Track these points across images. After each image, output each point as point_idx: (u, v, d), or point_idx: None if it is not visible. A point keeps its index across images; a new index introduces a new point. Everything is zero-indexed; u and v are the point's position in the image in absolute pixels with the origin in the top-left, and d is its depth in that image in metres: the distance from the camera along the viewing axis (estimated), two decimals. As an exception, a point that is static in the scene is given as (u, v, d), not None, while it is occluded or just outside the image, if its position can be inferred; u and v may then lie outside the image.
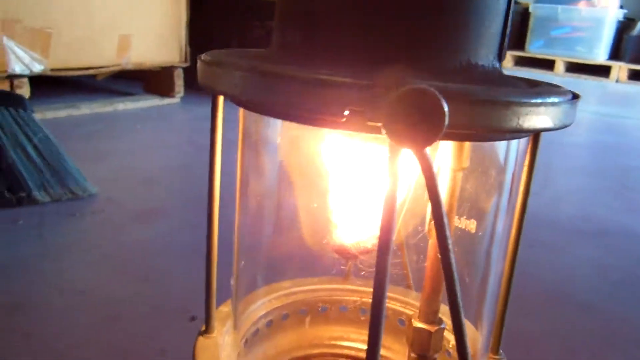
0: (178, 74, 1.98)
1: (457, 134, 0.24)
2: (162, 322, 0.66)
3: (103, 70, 1.79)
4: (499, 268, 0.37)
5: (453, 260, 0.23)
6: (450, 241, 0.23)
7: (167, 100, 1.98)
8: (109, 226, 0.95)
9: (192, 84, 1.99)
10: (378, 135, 0.23)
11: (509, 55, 4.17)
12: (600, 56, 3.87)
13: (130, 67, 1.84)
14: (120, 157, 1.36)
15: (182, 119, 1.87)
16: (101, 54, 1.75)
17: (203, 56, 0.30)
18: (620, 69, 3.80)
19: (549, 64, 4.00)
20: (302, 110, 0.24)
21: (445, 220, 0.23)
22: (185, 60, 1.97)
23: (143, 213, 1.01)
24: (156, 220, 0.98)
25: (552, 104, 0.24)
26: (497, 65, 0.28)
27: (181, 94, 2.01)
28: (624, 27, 3.93)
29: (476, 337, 0.39)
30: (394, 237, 0.25)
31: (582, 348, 0.68)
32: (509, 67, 4.16)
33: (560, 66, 3.97)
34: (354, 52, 0.26)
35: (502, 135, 0.26)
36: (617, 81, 3.78)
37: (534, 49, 4.08)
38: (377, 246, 0.25)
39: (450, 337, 0.40)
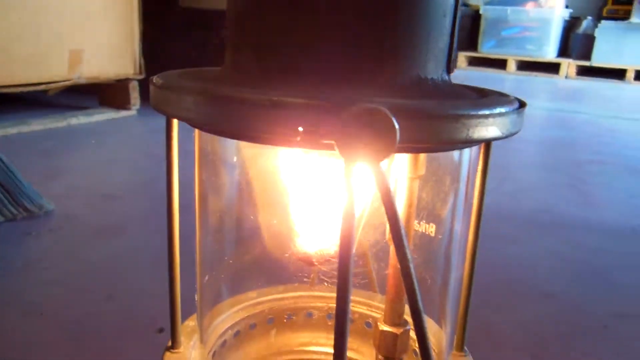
0: (133, 86, 1.95)
1: (410, 147, 0.25)
2: (128, 337, 0.66)
3: (53, 85, 1.74)
4: (460, 268, 0.38)
5: (412, 270, 0.24)
6: (408, 251, 0.24)
7: (123, 113, 1.95)
8: (68, 244, 0.93)
9: (148, 95, 1.96)
10: (333, 152, 0.23)
11: (463, 56, 4.28)
12: (550, 54, 4.02)
13: (82, 81, 1.80)
14: (77, 173, 1.32)
15: (139, 132, 1.84)
16: (51, 69, 1.71)
17: (155, 79, 0.30)
18: (569, 65, 3.96)
19: (501, 63, 4.13)
20: (257, 132, 0.24)
21: (403, 231, 0.24)
22: (140, 73, 1.94)
23: (103, 229, 0.99)
24: (117, 237, 0.96)
25: (500, 114, 0.26)
26: (446, 77, 0.29)
27: (137, 106, 1.97)
28: (570, 26, 4.10)
29: (441, 335, 0.40)
30: (354, 247, 0.26)
31: (547, 337, 0.71)
32: (463, 67, 4.27)
33: (512, 65, 4.10)
34: (306, 72, 0.26)
35: (453, 146, 0.27)
36: (566, 77, 3.94)
37: (486, 49, 4.21)
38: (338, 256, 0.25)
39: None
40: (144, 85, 1.98)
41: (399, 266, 0.24)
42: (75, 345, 0.63)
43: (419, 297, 0.25)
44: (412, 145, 0.25)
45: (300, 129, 0.24)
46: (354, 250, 0.26)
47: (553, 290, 0.84)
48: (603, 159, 1.72)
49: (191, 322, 0.42)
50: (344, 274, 0.26)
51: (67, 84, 1.77)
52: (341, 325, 0.27)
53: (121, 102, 1.95)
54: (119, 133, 1.80)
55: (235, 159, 0.36)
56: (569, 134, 2.14)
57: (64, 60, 1.73)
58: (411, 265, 0.24)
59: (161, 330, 0.67)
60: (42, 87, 1.71)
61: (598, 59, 3.82)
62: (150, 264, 0.85)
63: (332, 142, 0.23)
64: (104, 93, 1.98)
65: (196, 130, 0.34)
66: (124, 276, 0.82)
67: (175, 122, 0.32)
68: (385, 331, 0.37)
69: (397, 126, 0.21)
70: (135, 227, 1.01)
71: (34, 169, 1.33)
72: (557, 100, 3.15)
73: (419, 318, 0.25)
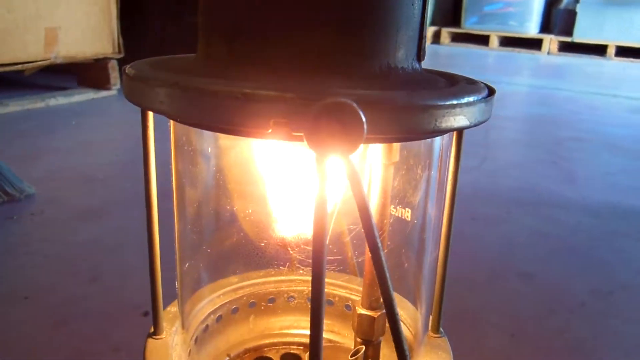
0: (112, 65, 1.92)
1: (379, 138, 0.26)
2: (114, 320, 0.66)
3: (30, 65, 1.71)
4: (435, 251, 0.39)
5: (383, 257, 0.25)
6: (378, 240, 0.24)
7: (102, 93, 1.92)
8: (50, 227, 0.93)
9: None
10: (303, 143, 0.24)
11: (446, 32, 4.27)
12: (532, 29, 4.03)
13: (60, 60, 1.77)
14: (57, 155, 1.31)
15: (119, 112, 1.82)
16: (26, 48, 1.67)
17: (127, 69, 0.30)
18: (551, 41, 3.97)
19: (484, 39, 4.12)
20: (229, 124, 0.24)
21: (373, 221, 0.24)
22: (119, 52, 1.91)
23: (86, 212, 0.98)
24: (100, 219, 0.96)
25: (468, 104, 0.26)
26: (417, 66, 0.30)
27: (117, 85, 1.94)
28: (552, 1, 4.09)
29: (417, 317, 0.41)
30: (328, 237, 0.26)
31: (525, 316, 0.73)
32: (446, 43, 4.26)
33: (494, 41, 4.10)
34: (276, 61, 0.27)
35: (422, 136, 0.28)
36: (548, 53, 3.95)
37: (469, 25, 4.20)
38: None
39: (392, 320, 0.42)
40: (124, 65, 1.94)
41: (369, 254, 0.25)
42: (60, 329, 0.64)
43: (389, 284, 0.25)
44: (381, 136, 0.25)
45: (272, 121, 0.24)
46: (327, 239, 0.26)
47: (531, 269, 0.86)
48: (583, 136, 1.74)
49: (173, 308, 0.43)
50: (318, 264, 0.26)
51: (44, 63, 1.73)
52: (317, 310, 0.28)
53: (101, 82, 1.92)
54: (99, 114, 1.78)
55: (210, 149, 0.36)
56: (550, 111, 2.16)
57: (40, 39, 1.69)
58: (381, 253, 0.24)
59: (146, 314, 0.68)
60: (19, 67, 1.67)
61: (579, 35, 3.84)
62: (134, 246, 0.85)
63: (301, 134, 0.23)
64: (83, 73, 1.95)
65: (171, 121, 0.34)
66: (108, 259, 0.82)
67: (150, 114, 0.32)
68: (363, 314, 0.38)
69: (364, 119, 0.22)
70: (118, 210, 1.01)
71: (12, 151, 1.31)
72: (539, 77, 3.17)
73: (390, 303, 0.25)
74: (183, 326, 0.41)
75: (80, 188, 1.12)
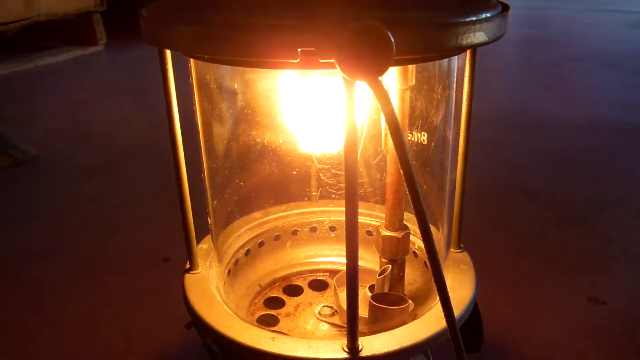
0: (97, 19, 1.87)
1: (405, 60, 0.26)
2: (137, 269, 0.68)
3: (12, 25, 1.66)
4: (453, 172, 0.40)
5: (415, 175, 0.26)
6: (410, 158, 0.26)
7: (90, 50, 1.88)
8: (59, 187, 0.94)
9: (114, 29, 1.89)
10: (331, 70, 0.25)
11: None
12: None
13: (42, 18, 1.72)
14: (53, 116, 1.30)
15: (109, 67, 1.79)
16: (6, 8, 1.62)
17: (144, 12, 0.30)
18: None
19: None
20: (256, 57, 0.25)
21: (405, 141, 0.25)
22: (102, 4, 1.85)
23: (92, 169, 0.99)
24: (106, 174, 0.97)
25: (486, 19, 0.27)
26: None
27: (104, 40, 1.90)
28: None
29: (438, 237, 0.43)
30: (357, 159, 0.28)
31: (529, 231, 0.75)
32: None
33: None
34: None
35: (444, 54, 0.28)
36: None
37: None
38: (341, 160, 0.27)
39: (415, 240, 0.45)
40: (108, 19, 1.89)
41: (401, 174, 0.26)
42: (86, 281, 0.66)
43: (422, 199, 0.27)
44: (407, 57, 0.26)
45: (299, 50, 0.25)
46: (357, 163, 0.28)
47: (534, 188, 0.88)
48: (579, 55, 1.73)
49: (203, 245, 0.44)
50: (351, 186, 0.28)
51: (26, 22, 1.69)
52: (352, 231, 0.29)
53: (87, 38, 1.88)
54: (89, 70, 1.75)
55: (235, 85, 0.37)
56: (544, 32, 2.13)
57: (19, -3, 1.64)
58: (414, 173, 0.26)
59: (166, 260, 0.70)
60: (1, 28, 1.63)
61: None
62: (143, 198, 0.87)
63: (332, 60, 0.24)
64: (68, 30, 1.90)
65: (191, 60, 0.34)
66: (121, 211, 0.83)
67: (168, 54, 0.33)
68: (388, 236, 0.40)
69: (393, 40, 0.22)
70: (122, 164, 1.01)
71: (8, 115, 1.30)
72: (531, -3, 3.10)
73: (423, 217, 0.27)
74: (219, 260, 0.43)
75: (81, 146, 1.12)
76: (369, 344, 0.33)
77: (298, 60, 0.25)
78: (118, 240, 0.75)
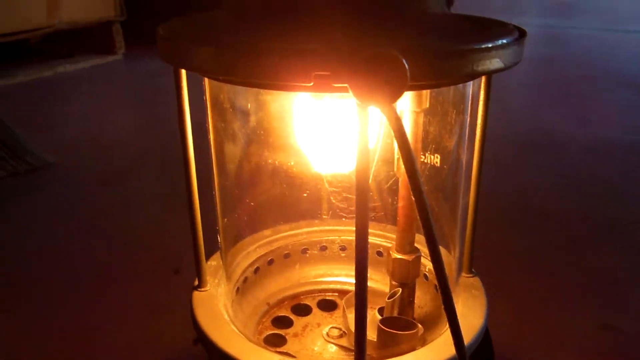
0: (116, 29, 1.90)
1: (419, 85, 0.26)
2: (146, 279, 0.68)
3: (34, 33, 1.69)
4: (466, 195, 0.40)
5: (426, 200, 0.26)
6: (421, 183, 0.25)
7: (109, 58, 1.91)
8: (73, 194, 0.95)
9: (133, 38, 1.91)
10: (345, 94, 0.24)
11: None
12: (540, -34, 3.88)
13: (63, 26, 1.75)
14: (72, 124, 1.32)
15: (128, 77, 1.81)
16: (30, 16, 1.66)
17: (161, 30, 0.30)
18: (559, -23, 3.83)
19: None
20: (271, 80, 0.25)
21: (417, 167, 0.25)
22: (122, 14, 1.88)
23: (106, 178, 1.00)
24: (120, 183, 0.98)
25: (502, 46, 0.27)
26: (447, 10, 0.30)
27: (122, 50, 1.93)
28: None
29: (450, 260, 0.43)
30: (369, 183, 0.28)
31: (542, 254, 0.74)
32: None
33: (501, -20, 3.96)
34: (312, 12, 0.27)
35: (458, 80, 0.28)
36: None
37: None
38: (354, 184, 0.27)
39: (426, 263, 0.44)
40: (127, 28, 1.92)
41: (412, 197, 0.26)
42: (99, 289, 0.66)
43: (432, 224, 0.27)
44: (421, 83, 0.26)
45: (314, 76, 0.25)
46: (369, 186, 0.27)
47: (548, 209, 0.87)
48: (595, 75, 1.72)
49: (212, 262, 0.44)
50: (362, 210, 0.27)
51: (48, 30, 1.72)
52: (362, 253, 0.29)
53: (106, 47, 1.91)
54: (108, 79, 1.77)
55: (249, 105, 0.37)
56: (561, 51, 2.12)
57: (42, 5, 1.67)
58: (425, 198, 0.26)
59: (176, 271, 0.70)
60: (24, 35, 1.66)
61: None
62: (157, 207, 0.87)
63: (346, 85, 0.24)
64: (88, 39, 1.93)
65: (205, 79, 0.34)
66: (134, 220, 0.84)
67: (183, 73, 0.33)
68: (398, 259, 0.40)
69: (407, 67, 0.22)
70: (137, 173, 1.02)
71: (28, 122, 1.32)
72: (548, 16, 3.09)
73: (434, 243, 0.27)
74: (228, 278, 0.42)
75: (97, 154, 1.13)
76: (377, 370, 0.33)
77: (312, 84, 0.25)
78: (129, 249, 0.76)
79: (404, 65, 0.22)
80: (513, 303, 0.63)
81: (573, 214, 0.85)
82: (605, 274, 0.69)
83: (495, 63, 0.26)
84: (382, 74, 0.23)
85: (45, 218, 0.86)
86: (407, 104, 0.35)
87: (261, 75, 0.26)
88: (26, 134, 1.08)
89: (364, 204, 0.27)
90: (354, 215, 0.28)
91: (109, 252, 0.75)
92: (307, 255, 0.50)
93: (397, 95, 0.23)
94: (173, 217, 0.82)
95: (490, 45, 0.26)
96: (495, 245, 0.76)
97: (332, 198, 0.37)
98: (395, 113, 0.24)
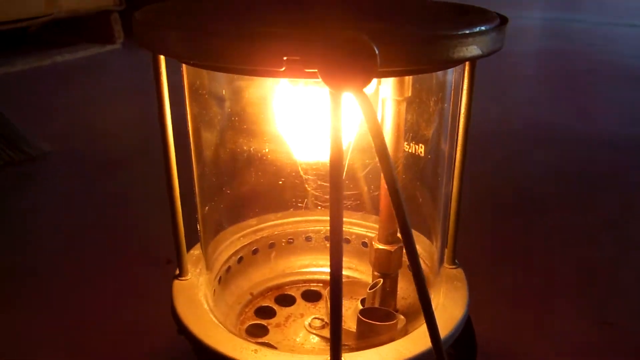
0: (115, 18, 1.89)
1: (392, 72, 0.26)
2: (138, 268, 0.68)
3: (33, 21, 1.69)
4: (448, 185, 0.39)
5: (400, 191, 0.25)
6: (395, 173, 0.25)
7: (107, 47, 1.90)
8: (70, 183, 0.94)
9: (132, 28, 1.90)
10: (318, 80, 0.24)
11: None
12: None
13: (62, 15, 1.74)
14: (69, 113, 1.31)
15: (126, 66, 1.80)
16: (29, 4, 1.65)
17: (137, 15, 0.30)
18: (564, -30, 3.79)
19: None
20: (242, 64, 0.25)
21: (389, 155, 0.25)
22: (121, 3, 1.87)
23: (103, 167, 0.99)
24: (117, 173, 0.97)
25: (480, 33, 0.26)
26: (427, -4, 0.29)
27: (121, 39, 1.92)
28: None
29: (433, 250, 0.42)
30: (344, 173, 0.27)
31: (538, 248, 0.74)
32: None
33: (506, -27, 3.93)
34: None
35: (435, 67, 0.27)
36: (561, -17, 3.79)
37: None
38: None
39: (409, 254, 0.43)
40: (126, 18, 1.91)
41: (385, 186, 0.26)
42: (93, 277, 0.66)
43: (406, 215, 0.26)
44: (394, 69, 0.25)
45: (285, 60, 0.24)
46: (343, 175, 0.27)
47: (547, 203, 0.86)
48: (598, 69, 1.70)
49: (196, 251, 0.44)
50: (336, 199, 0.27)
51: (47, 19, 1.71)
52: (336, 243, 0.29)
53: (105, 36, 1.90)
54: (106, 69, 1.76)
55: (224, 91, 0.36)
56: (563, 44, 2.10)
57: (41, -6, 1.67)
58: (399, 187, 0.25)
59: (169, 262, 0.69)
60: (22, 24, 1.66)
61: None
62: (153, 197, 0.87)
63: (315, 70, 0.23)
64: (87, 28, 1.92)
65: (184, 65, 0.34)
66: (129, 210, 0.83)
67: (162, 58, 0.32)
68: (380, 249, 0.39)
69: (377, 52, 0.22)
70: (134, 162, 1.02)
71: (24, 110, 1.31)
72: (551, 9, 3.06)
73: (408, 234, 0.26)
74: (207, 267, 0.42)
75: (94, 143, 1.12)
76: (353, 361, 0.32)
77: (283, 69, 0.24)
78: (123, 239, 0.75)
79: (374, 50, 0.22)
80: (508, 297, 0.62)
81: (572, 208, 0.85)
82: (604, 268, 0.69)
83: (472, 50, 0.26)
84: (351, 59, 0.22)
85: (41, 207, 0.86)
86: (389, 92, 0.34)
87: (233, 60, 0.25)
88: (23, 123, 1.08)
89: (338, 193, 0.27)
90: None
91: (103, 241, 0.75)
92: (293, 245, 0.49)
93: (366, 80, 0.23)
94: (169, 207, 0.82)
95: (467, 32, 0.26)
96: (491, 238, 0.76)
97: (306, 186, 0.37)
98: (367, 98, 0.24)
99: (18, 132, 1.05)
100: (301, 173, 0.37)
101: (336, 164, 0.26)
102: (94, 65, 1.77)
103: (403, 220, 0.26)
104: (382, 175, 0.36)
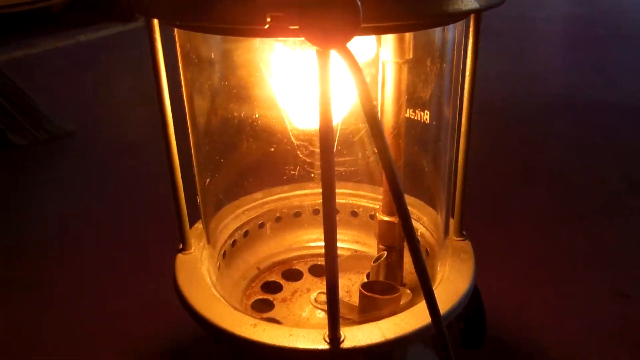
0: (137, -5, 1.89)
1: (380, 28, 0.24)
2: (158, 248, 0.68)
3: (56, 1, 1.70)
4: (452, 151, 0.37)
5: (391, 159, 0.24)
6: (385, 141, 0.23)
7: (130, 25, 1.90)
8: (91, 162, 0.95)
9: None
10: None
11: None
12: None
13: (84, -7, 1.75)
14: (93, 92, 1.32)
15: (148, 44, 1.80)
16: (51, -16, 1.66)
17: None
18: None
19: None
20: (225, 23, 0.23)
21: (379, 119, 0.23)
22: (141, -20, 1.87)
23: (123, 146, 1.00)
24: (136, 152, 0.97)
25: (478, -17, 0.24)
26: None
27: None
28: None
29: (438, 221, 0.41)
30: (336, 133, 0.26)
31: (554, 219, 0.71)
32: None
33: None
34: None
35: (428, 23, 0.26)
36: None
37: None
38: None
39: (417, 226, 0.42)
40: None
41: (377, 153, 0.24)
42: (116, 255, 0.67)
43: (400, 184, 0.25)
44: (380, 25, 0.23)
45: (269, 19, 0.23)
46: (335, 137, 0.26)
47: (560, 169, 0.84)
48: (626, 34, 1.63)
49: (201, 225, 0.43)
50: (327, 162, 0.26)
51: (69, -1, 1.72)
52: (330, 214, 0.28)
53: (127, 15, 1.90)
54: (129, 47, 1.76)
55: (212, 55, 0.35)
56: (587, 11, 2.01)
57: (63, -26, 1.68)
58: (387, 146, 0.24)
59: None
60: (45, 3, 1.67)
61: None
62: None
63: (297, 27, 0.22)
64: (110, 7, 1.93)
65: (175, 30, 0.33)
66: (146, 190, 0.84)
67: (155, 23, 0.31)
68: (385, 221, 0.38)
69: (359, 5, 0.20)
70: (153, 142, 1.01)
71: (49, 90, 1.33)
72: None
73: (401, 202, 0.25)
74: (208, 241, 0.41)
75: (116, 122, 1.13)
76: (352, 335, 0.31)
77: (267, 27, 0.23)
78: (140, 219, 0.76)
79: (357, 3, 0.20)
80: (522, 270, 0.61)
81: (590, 179, 0.82)
82: (617, 242, 0.66)
83: (468, 3, 0.24)
84: (332, 14, 0.21)
85: (63, 186, 0.87)
86: (389, 55, 0.32)
87: (216, 19, 0.24)
88: (48, 103, 1.09)
89: (329, 160, 0.26)
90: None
91: (120, 220, 0.76)
92: (300, 218, 0.48)
93: (349, 35, 0.21)
94: (187, 185, 0.81)
95: (463, -17, 0.24)
96: (503, 208, 0.74)
97: (298, 152, 0.35)
98: (352, 55, 0.22)
99: (42, 111, 1.06)
100: (305, 144, 0.36)
101: (326, 124, 0.25)
102: (117, 43, 1.78)
103: (395, 187, 0.25)
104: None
